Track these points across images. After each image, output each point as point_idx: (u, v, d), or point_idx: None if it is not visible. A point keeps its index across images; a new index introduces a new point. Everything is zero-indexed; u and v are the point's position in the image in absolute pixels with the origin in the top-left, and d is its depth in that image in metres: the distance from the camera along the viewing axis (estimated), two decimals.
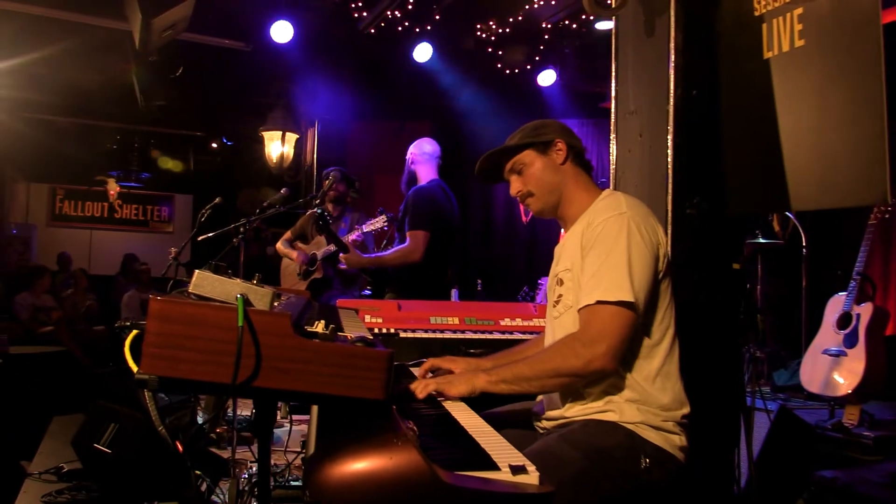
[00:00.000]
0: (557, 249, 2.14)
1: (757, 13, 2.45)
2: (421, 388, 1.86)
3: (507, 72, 7.20)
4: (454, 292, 5.96)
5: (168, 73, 6.45)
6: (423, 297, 3.99)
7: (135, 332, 1.23)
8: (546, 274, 6.22)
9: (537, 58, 7.11)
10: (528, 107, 7.81)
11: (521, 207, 8.25)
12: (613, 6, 2.67)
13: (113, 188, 11.86)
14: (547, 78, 7.21)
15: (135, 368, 1.25)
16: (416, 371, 2.21)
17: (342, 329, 1.72)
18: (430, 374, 2.11)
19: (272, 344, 1.24)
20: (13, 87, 7.23)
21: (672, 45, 2.55)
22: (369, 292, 5.22)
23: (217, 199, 4.64)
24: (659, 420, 1.84)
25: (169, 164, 10.31)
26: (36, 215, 11.99)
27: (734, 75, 2.54)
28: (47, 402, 5.33)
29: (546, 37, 6.76)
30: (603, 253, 1.83)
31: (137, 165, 11.03)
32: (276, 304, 1.40)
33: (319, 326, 1.33)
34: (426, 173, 4.51)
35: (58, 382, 6.03)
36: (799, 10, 2.29)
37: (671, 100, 2.54)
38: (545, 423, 2.02)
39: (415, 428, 1.39)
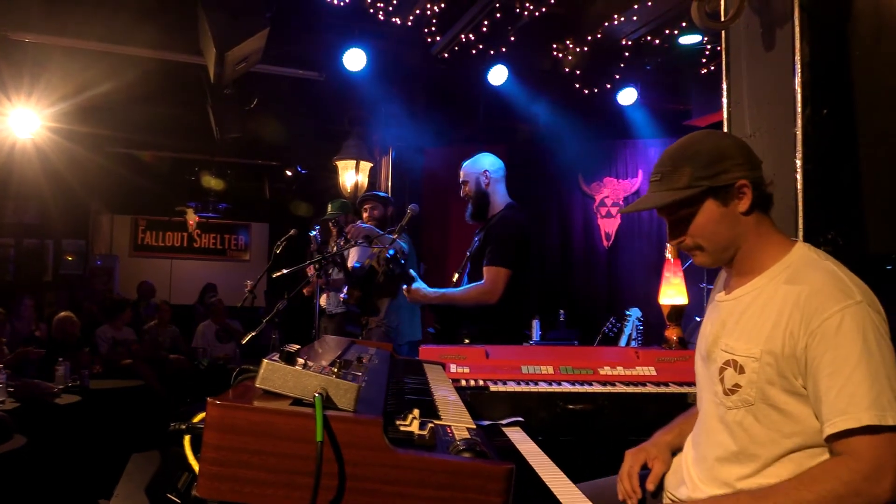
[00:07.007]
0: (713, 309, 1.73)
1: None
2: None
3: (586, 91, 6.94)
4: (535, 323, 5.67)
5: (243, 105, 6.47)
6: (499, 337, 3.47)
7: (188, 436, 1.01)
8: (630, 300, 5.83)
9: (617, 76, 6.85)
10: (608, 127, 7.54)
11: (602, 232, 8.03)
12: (726, 18, 2.38)
13: (192, 218, 12.09)
14: (627, 97, 6.97)
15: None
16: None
17: (438, 413, 1.44)
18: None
19: (360, 459, 0.98)
20: (96, 124, 7.44)
21: (797, 57, 2.23)
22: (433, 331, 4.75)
23: (292, 231, 4.57)
24: None
25: (212, 182, 10.46)
26: (119, 246, 12.32)
27: (874, 90, 2.19)
28: (126, 437, 5.32)
29: (626, 54, 6.49)
30: (851, 359, 1.44)
31: (214, 196, 11.22)
32: (361, 374, 1.16)
33: (414, 424, 1.07)
34: (502, 195, 3.75)
35: (136, 417, 6.03)
36: None
37: (799, 121, 2.21)
38: None
39: None
